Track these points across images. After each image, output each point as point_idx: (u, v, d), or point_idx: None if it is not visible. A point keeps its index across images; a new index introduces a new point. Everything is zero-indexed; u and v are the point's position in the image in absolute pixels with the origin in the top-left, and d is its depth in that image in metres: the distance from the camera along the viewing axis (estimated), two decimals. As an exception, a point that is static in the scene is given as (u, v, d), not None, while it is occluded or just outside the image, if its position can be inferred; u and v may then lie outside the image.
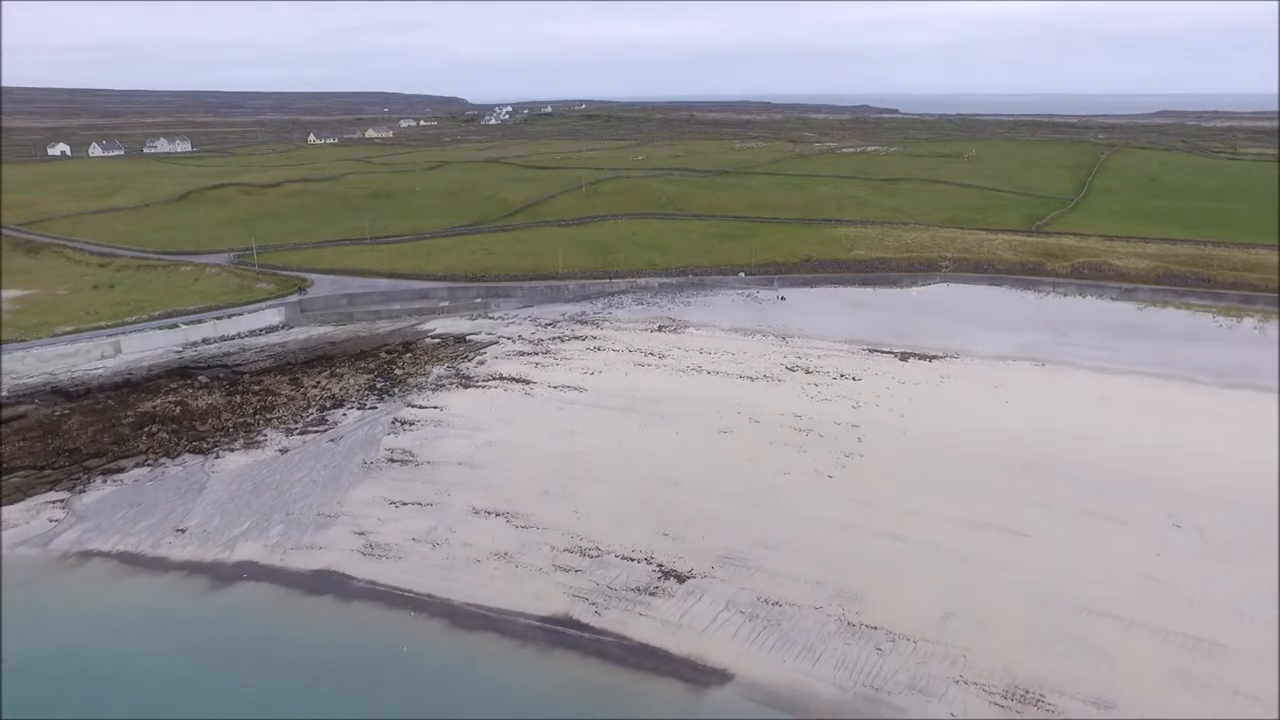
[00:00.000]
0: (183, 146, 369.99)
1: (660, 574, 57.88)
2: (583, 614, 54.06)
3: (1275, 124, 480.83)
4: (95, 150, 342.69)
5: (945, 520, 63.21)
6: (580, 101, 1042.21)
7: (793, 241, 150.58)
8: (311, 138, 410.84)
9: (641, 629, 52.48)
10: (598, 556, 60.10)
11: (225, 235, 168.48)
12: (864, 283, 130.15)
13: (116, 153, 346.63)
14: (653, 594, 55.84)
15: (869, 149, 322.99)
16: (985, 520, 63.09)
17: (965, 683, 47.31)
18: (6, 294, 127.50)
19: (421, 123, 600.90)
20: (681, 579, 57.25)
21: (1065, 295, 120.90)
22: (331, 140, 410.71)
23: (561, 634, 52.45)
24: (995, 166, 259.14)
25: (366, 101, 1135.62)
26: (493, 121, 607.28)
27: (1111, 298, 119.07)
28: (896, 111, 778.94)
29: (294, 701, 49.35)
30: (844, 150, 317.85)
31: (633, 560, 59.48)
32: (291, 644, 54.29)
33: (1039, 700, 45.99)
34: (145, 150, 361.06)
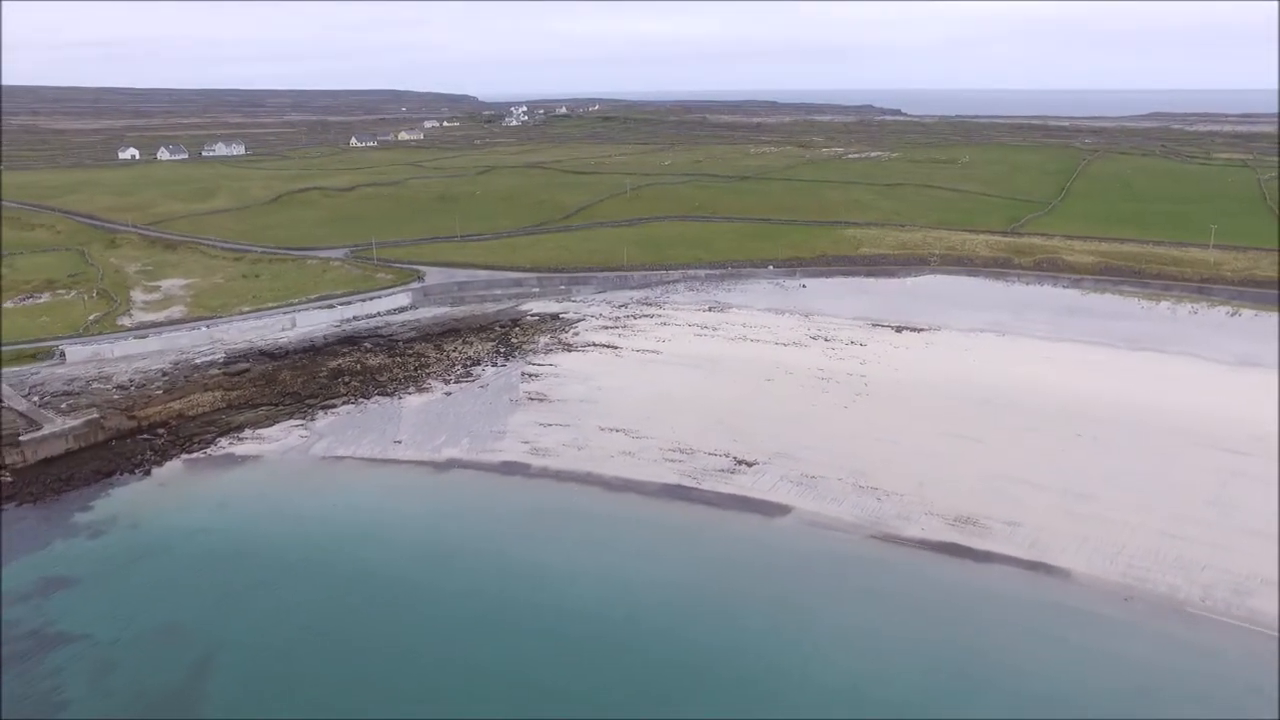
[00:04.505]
0: (238, 150, 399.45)
1: (734, 462, 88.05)
2: (688, 483, 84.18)
3: (1255, 128, 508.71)
4: (163, 154, 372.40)
5: (924, 433, 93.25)
6: (593, 100, 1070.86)
7: (810, 240, 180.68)
8: (353, 141, 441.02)
9: (728, 490, 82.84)
10: (691, 453, 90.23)
11: (324, 233, 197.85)
12: (868, 274, 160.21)
13: (181, 156, 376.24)
14: (731, 473, 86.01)
15: (872, 154, 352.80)
16: (951, 433, 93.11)
17: (931, 514, 77.39)
18: (177, 282, 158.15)
19: (444, 124, 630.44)
20: (749, 465, 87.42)
21: (1027, 284, 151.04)
22: (371, 143, 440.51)
23: (677, 492, 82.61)
24: (985, 171, 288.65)
25: (381, 100, 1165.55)
26: (513, 123, 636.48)
27: (1063, 286, 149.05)
28: (900, 112, 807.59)
29: (509, 535, 79.10)
30: (849, 156, 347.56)
31: (715, 455, 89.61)
32: (499, 503, 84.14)
33: (975, 522, 76.04)
34: (204, 153, 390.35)
